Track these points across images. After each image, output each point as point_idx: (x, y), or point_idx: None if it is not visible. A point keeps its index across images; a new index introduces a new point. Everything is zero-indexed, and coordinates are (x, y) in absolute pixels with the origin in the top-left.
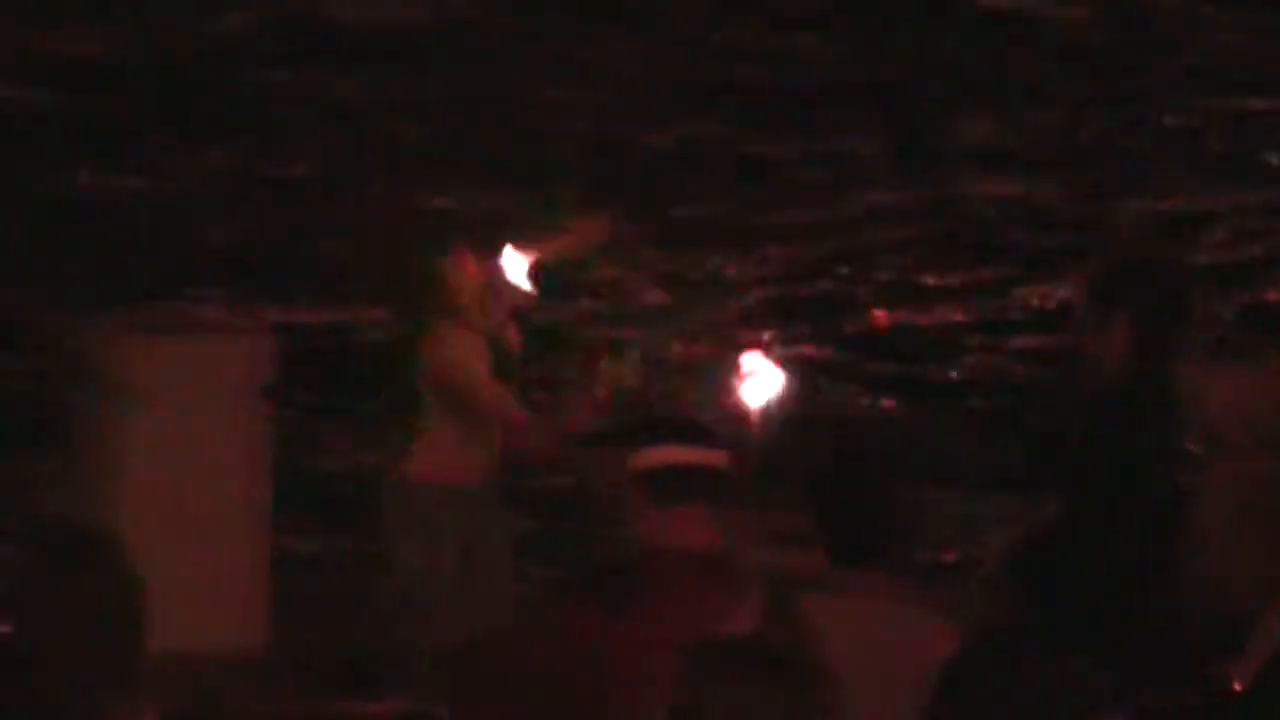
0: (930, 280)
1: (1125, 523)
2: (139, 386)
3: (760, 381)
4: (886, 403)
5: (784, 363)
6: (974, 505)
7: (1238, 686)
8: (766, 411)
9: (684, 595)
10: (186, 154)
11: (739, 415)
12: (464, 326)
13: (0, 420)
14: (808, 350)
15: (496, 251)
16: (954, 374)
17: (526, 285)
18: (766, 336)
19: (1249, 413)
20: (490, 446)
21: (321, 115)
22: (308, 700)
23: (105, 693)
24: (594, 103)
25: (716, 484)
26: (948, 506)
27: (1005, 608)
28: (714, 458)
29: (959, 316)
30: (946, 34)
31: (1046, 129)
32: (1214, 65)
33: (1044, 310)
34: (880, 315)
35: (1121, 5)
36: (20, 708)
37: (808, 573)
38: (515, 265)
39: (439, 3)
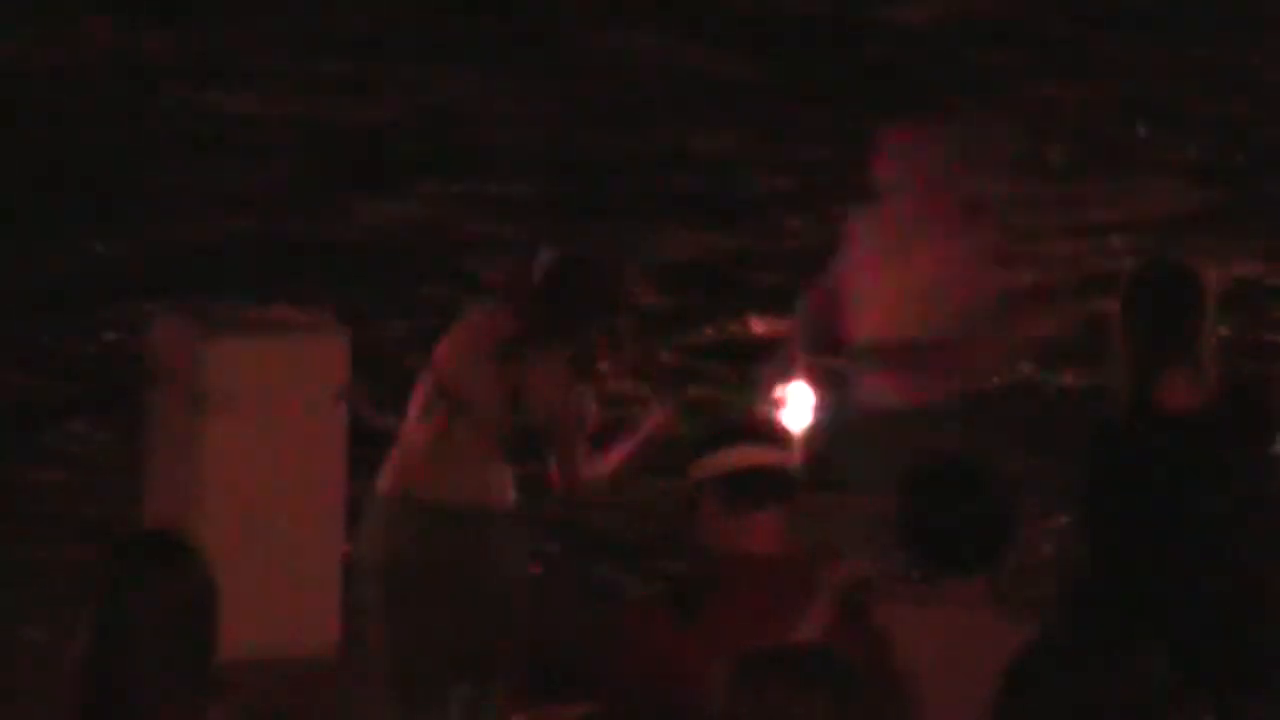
0: None
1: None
2: (216, 389)
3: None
4: None
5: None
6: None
7: None
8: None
9: (757, 601)
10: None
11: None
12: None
13: (77, 422)
14: None
15: None
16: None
17: None
18: None
19: None
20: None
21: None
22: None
23: (181, 696)
24: None
25: (790, 487)
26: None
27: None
28: (787, 460)
29: None
30: None
31: None
32: None
33: None
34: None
35: None
36: (99, 709)
37: (882, 581)
38: None
39: None
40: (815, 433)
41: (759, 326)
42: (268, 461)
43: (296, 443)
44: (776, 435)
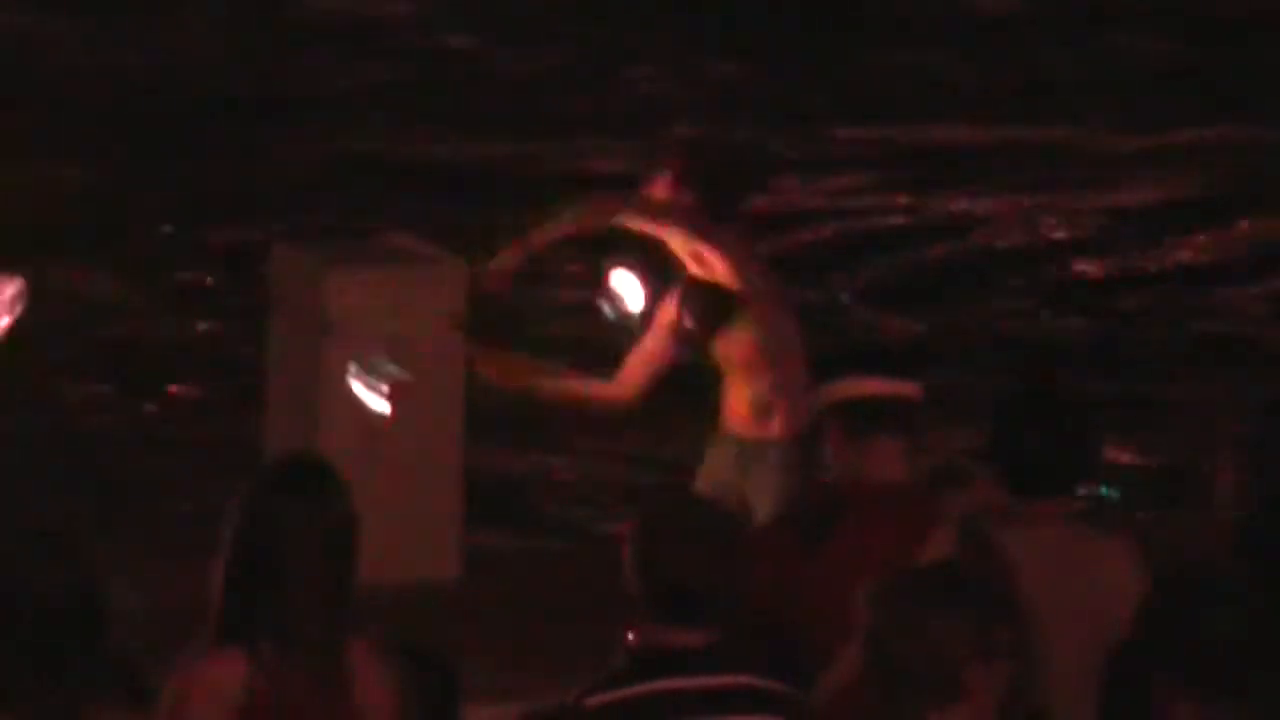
0: None
1: None
2: (334, 317)
3: None
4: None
5: None
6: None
7: None
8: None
9: (880, 526)
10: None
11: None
12: None
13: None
14: None
15: None
16: None
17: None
18: None
19: None
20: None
21: None
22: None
23: (330, 619)
24: None
25: (910, 415)
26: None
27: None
28: (907, 389)
29: None
30: None
31: None
32: None
33: None
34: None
35: None
36: (252, 628)
37: (995, 504)
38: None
39: None
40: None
41: None
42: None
43: (415, 370)
44: (897, 365)
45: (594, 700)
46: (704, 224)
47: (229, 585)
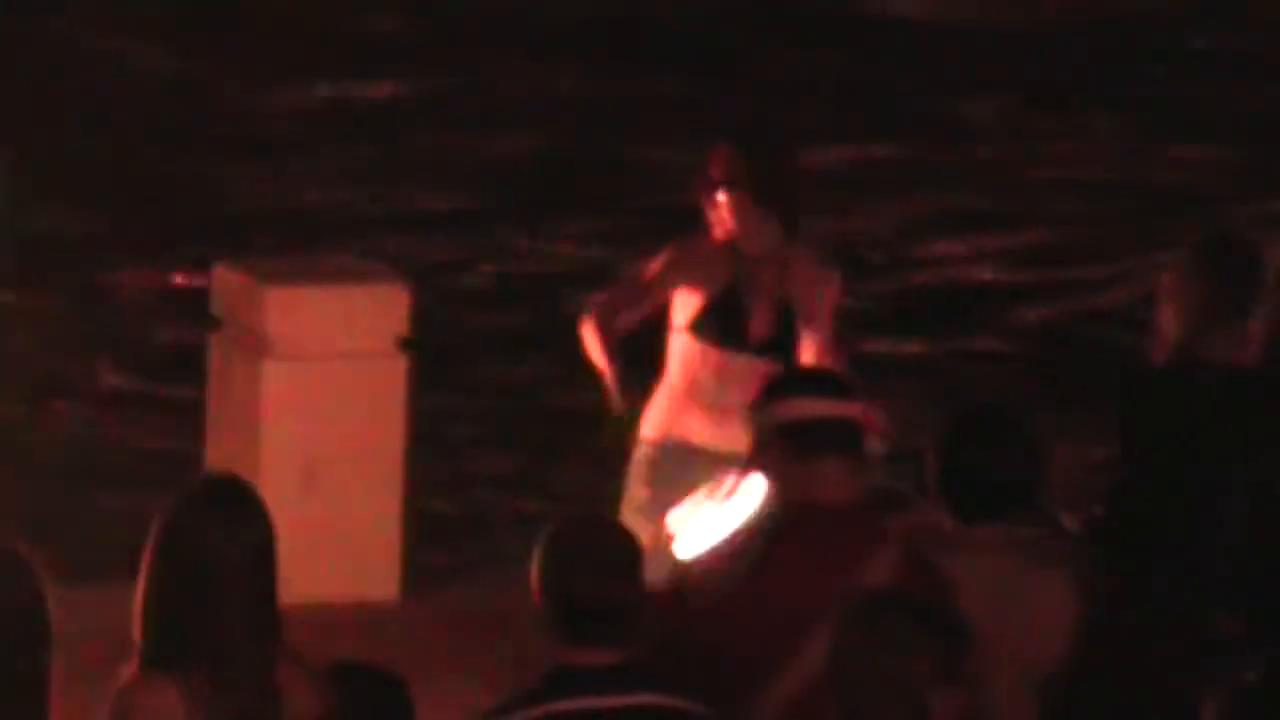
0: None
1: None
2: (275, 336)
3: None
4: None
5: None
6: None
7: None
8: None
9: (826, 545)
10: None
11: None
12: None
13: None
14: None
15: None
16: None
17: None
18: None
19: None
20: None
21: None
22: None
23: (254, 639)
24: None
25: (854, 436)
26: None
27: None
28: (851, 410)
29: None
30: None
31: None
32: None
33: None
34: None
35: None
36: (180, 652)
37: (937, 528)
38: None
39: None
40: None
41: None
42: (328, 409)
43: (357, 391)
44: (841, 383)
45: None
46: None
47: (153, 609)
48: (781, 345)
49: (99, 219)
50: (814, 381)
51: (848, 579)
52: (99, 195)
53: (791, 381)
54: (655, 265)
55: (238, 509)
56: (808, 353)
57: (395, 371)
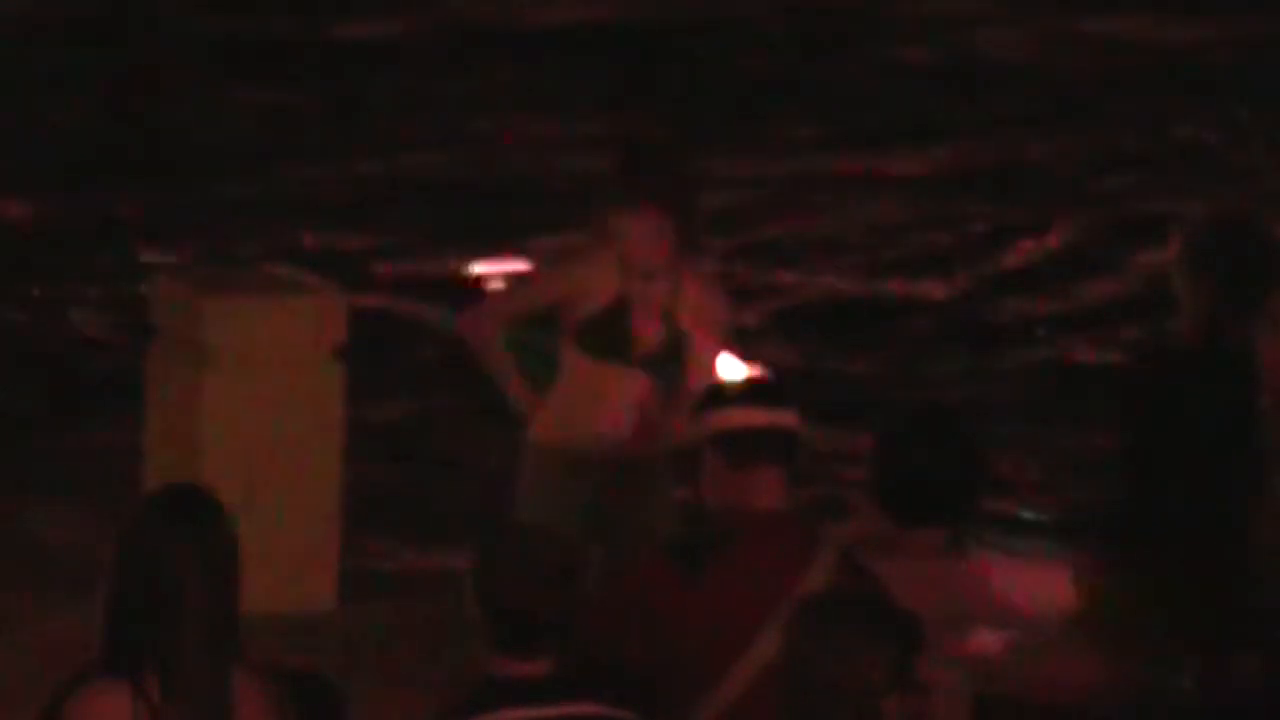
0: None
1: (1205, 484)
2: (214, 347)
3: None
4: None
5: None
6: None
7: None
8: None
9: (761, 554)
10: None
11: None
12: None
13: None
14: None
15: None
16: None
17: None
18: None
19: None
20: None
21: None
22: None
23: (206, 645)
24: None
25: (789, 445)
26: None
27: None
28: (787, 419)
29: None
30: None
31: None
32: None
33: None
34: None
35: None
36: (134, 658)
37: (871, 534)
38: None
39: None
40: None
41: None
42: (266, 419)
43: (295, 400)
44: (777, 392)
45: None
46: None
47: (112, 617)
48: (668, 360)
49: None
50: (750, 391)
51: (784, 586)
52: None
53: (728, 391)
54: (544, 273)
55: (199, 516)
56: (697, 369)
57: (332, 381)
